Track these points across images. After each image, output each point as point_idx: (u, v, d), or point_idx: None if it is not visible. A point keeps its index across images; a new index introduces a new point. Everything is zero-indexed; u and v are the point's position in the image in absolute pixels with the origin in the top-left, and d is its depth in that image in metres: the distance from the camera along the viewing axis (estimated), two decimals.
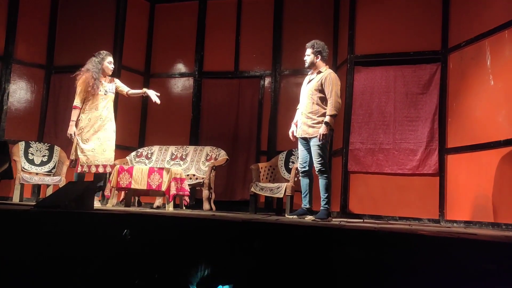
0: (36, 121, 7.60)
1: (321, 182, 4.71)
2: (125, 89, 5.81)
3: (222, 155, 6.58)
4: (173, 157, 6.83)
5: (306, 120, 4.80)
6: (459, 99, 5.71)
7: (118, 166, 5.74)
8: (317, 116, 4.73)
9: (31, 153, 6.77)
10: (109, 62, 5.64)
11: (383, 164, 6.16)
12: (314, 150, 4.71)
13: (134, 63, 7.83)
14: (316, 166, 4.71)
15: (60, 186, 5.93)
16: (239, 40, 7.76)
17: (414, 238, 2.94)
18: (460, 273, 2.53)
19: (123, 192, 5.96)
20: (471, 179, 5.36)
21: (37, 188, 7.20)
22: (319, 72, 4.84)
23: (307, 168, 4.85)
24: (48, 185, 6.58)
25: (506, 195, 4.78)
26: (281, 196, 5.99)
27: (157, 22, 8.16)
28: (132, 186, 5.59)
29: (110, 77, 5.76)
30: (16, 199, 6.30)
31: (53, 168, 6.83)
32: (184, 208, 5.93)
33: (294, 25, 7.47)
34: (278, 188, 5.98)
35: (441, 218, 5.73)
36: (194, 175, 6.52)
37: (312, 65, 4.89)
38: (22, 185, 6.36)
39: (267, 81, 7.57)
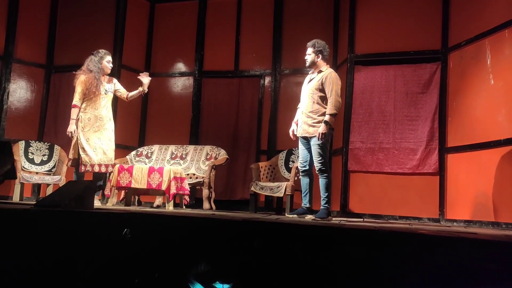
0: (36, 121, 7.61)
1: (321, 181, 4.71)
2: (124, 93, 5.80)
3: (222, 154, 6.58)
4: (173, 156, 6.83)
5: (307, 119, 4.80)
6: (459, 98, 5.71)
7: (118, 165, 5.74)
8: (318, 116, 4.73)
9: (31, 152, 6.77)
10: (108, 61, 5.64)
11: (383, 163, 6.16)
12: (315, 150, 4.71)
13: (134, 63, 7.83)
14: (317, 165, 4.71)
15: (60, 185, 5.93)
16: (239, 39, 7.76)
17: (414, 237, 2.94)
18: (461, 273, 2.53)
19: (123, 191, 5.96)
20: (471, 178, 5.36)
21: (37, 187, 7.21)
22: (320, 72, 4.84)
23: (307, 167, 4.85)
24: (48, 184, 6.58)
25: (506, 194, 4.78)
26: (281, 195, 5.99)
27: (157, 22, 8.16)
28: (132, 185, 5.59)
29: (108, 77, 5.75)
30: (16, 198, 6.31)
31: (53, 167, 6.83)
32: (184, 207, 5.93)
33: (294, 24, 7.47)
34: (278, 187, 5.98)
35: (441, 217, 5.73)
36: (194, 174, 6.52)
37: (313, 64, 4.89)
38: (22, 184, 6.36)
39: (267, 80, 7.56)
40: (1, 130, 7.17)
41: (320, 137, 4.63)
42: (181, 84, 8.03)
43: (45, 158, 6.84)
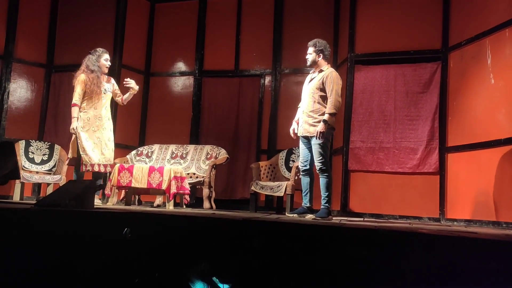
0: (36, 120, 7.60)
1: (322, 181, 4.71)
2: (120, 96, 5.77)
3: (222, 154, 6.58)
4: (173, 155, 6.83)
5: (308, 119, 4.80)
6: (459, 98, 5.71)
7: (118, 164, 5.74)
8: (318, 115, 4.73)
9: (31, 152, 6.77)
10: (105, 60, 5.63)
11: (384, 162, 6.16)
12: (315, 149, 4.71)
13: (134, 62, 7.83)
14: (317, 164, 4.71)
15: (61, 185, 5.93)
16: (239, 38, 7.76)
17: (415, 237, 2.94)
18: (461, 272, 2.53)
19: (123, 190, 5.96)
20: (472, 177, 5.35)
21: (37, 186, 7.20)
22: (321, 71, 4.84)
23: (308, 166, 4.85)
24: (48, 184, 6.58)
25: (507, 193, 4.78)
26: (282, 194, 5.99)
27: (157, 21, 8.16)
28: (133, 185, 5.59)
29: (107, 76, 5.75)
30: (16, 197, 6.31)
31: (54, 166, 6.83)
32: (184, 206, 5.93)
33: (294, 24, 7.47)
34: (279, 186, 5.98)
35: (441, 217, 5.73)
36: (194, 173, 6.52)
37: (314, 63, 4.89)
38: (22, 184, 6.36)
39: (267, 79, 7.56)
40: (1, 130, 7.18)
41: (318, 135, 4.63)
42: (181, 83, 8.03)
43: (45, 158, 6.84)
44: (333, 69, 4.89)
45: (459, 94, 5.71)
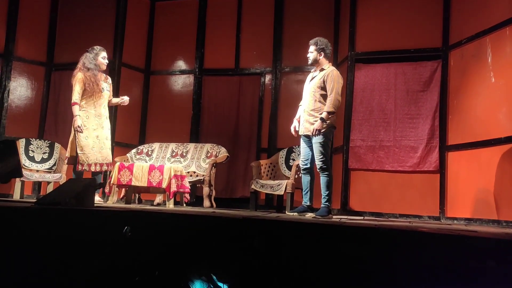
0: (36, 118, 7.60)
1: (322, 179, 4.71)
2: (110, 98, 5.77)
3: (222, 152, 6.58)
4: (173, 154, 6.83)
5: (308, 117, 4.79)
6: (459, 96, 5.70)
7: (118, 163, 5.74)
8: (319, 114, 4.72)
9: (31, 150, 6.78)
10: (103, 57, 5.62)
11: (384, 161, 6.16)
12: (316, 148, 4.71)
13: (135, 61, 7.83)
14: (318, 163, 4.71)
15: (61, 183, 5.93)
16: (239, 37, 7.75)
17: (415, 235, 2.94)
18: (461, 270, 2.53)
19: (123, 189, 5.97)
20: (472, 176, 5.35)
21: (37, 185, 7.21)
22: (322, 70, 4.84)
23: (308, 165, 4.85)
24: (48, 182, 6.59)
25: (507, 192, 4.78)
26: (282, 193, 5.99)
27: (158, 20, 8.15)
28: (133, 183, 5.59)
29: (105, 75, 5.74)
30: (16, 196, 6.31)
31: (54, 165, 6.83)
32: (184, 205, 5.94)
33: (294, 22, 7.46)
34: (279, 185, 5.98)
35: (441, 215, 5.73)
36: (194, 172, 6.52)
37: (315, 62, 4.88)
38: (22, 182, 6.37)
39: (267, 78, 7.56)
40: (1, 128, 7.17)
41: (314, 133, 4.63)
42: (181, 82, 8.03)
43: (45, 156, 6.84)
44: (334, 68, 4.88)
45: (460, 93, 5.70)
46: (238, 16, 7.78)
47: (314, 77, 4.89)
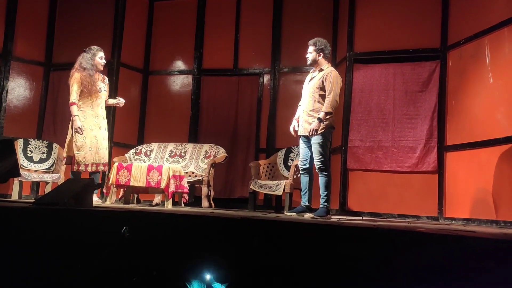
0: (35, 119, 7.60)
1: (321, 180, 4.71)
2: (106, 98, 5.77)
3: (221, 153, 6.58)
4: (172, 154, 6.83)
5: (308, 118, 4.80)
6: (458, 96, 5.71)
7: (117, 163, 5.73)
8: (318, 114, 4.73)
9: (30, 150, 6.77)
10: (100, 58, 5.61)
11: (382, 161, 6.16)
12: (315, 148, 4.71)
13: (133, 61, 7.82)
14: (317, 163, 4.71)
15: (59, 184, 5.92)
16: (238, 37, 7.75)
17: (413, 235, 2.94)
18: (459, 271, 2.53)
19: (122, 189, 5.96)
20: (470, 176, 5.36)
21: (36, 185, 7.21)
22: (321, 70, 4.85)
23: (307, 165, 4.85)
24: (47, 183, 6.58)
25: (505, 192, 4.79)
26: (280, 193, 5.99)
27: (156, 19, 8.15)
28: (131, 184, 5.58)
29: (102, 75, 5.74)
30: (15, 196, 6.30)
31: (52, 165, 6.82)
32: (183, 205, 5.93)
33: (293, 22, 7.46)
34: (277, 185, 5.98)
35: (440, 216, 5.73)
36: (193, 172, 6.52)
37: (314, 62, 4.89)
38: (21, 182, 6.36)
39: (266, 78, 7.56)
40: (0, 128, 7.17)
41: (311, 133, 4.64)
42: (180, 82, 8.03)
43: (43, 156, 6.83)
44: (333, 68, 4.89)
45: (458, 93, 5.71)
46: (237, 16, 7.78)
47: (313, 77, 4.90)
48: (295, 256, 2.95)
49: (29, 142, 6.83)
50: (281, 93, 7.44)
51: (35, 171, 6.68)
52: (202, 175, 6.34)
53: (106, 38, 7.36)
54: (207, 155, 6.63)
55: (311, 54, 4.87)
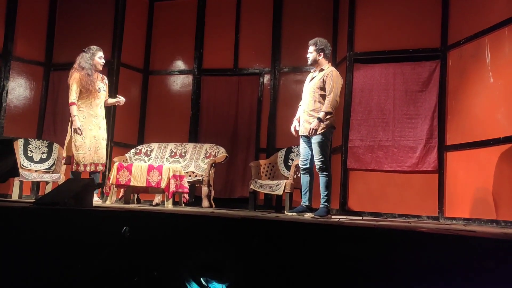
0: (35, 118, 7.60)
1: (322, 179, 4.71)
2: (106, 98, 5.77)
3: (221, 153, 6.58)
4: (172, 154, 6.83)
5: (308, 117, 4.80)
6: (458, 96, 5.70)
7: (117, 163, 5.73)
8: (319, 114, 4.72)
9: (30, 150, 6.77)
10: (99, 57, 5.61)
11: (383, 161, 6.16)
12: (315, 148, 4.71)
13: (133, 61, 7.82)
14: (317, 163, 4.71)
15: (59, 183, 5.92)
16: (238, 37, 7.75)
17: (413, 235, 2.94)
18: (460, 270, 2.53)
19: (122, 189, 5.96)
20: (470, 176, 5.36)
21: (36, 185, 7.21)
22: (322, 70, 4.85)
23: (308, 165, 4.85)
24: (47, 182, 6.58)
25: (505, 192, 4.78)
26: (280, 193, 5.99)
27: (156, 19, 8.15)
28: (131, 183, 5.58)
29: (101, 75, 5.73)
30: (15, 196, 6.30)
31: (52, 165, 6.82)
32: (183, 205, 5.93)
33: (293, 22, 7.46)
34: (277, 185, 5.98)
35: (440, 215, 5.73)
36: (193, 172, 6.52)
37: (315, 62, 4.89)
38: (21, 182, 6.36)
39: (266, 78, 7.56)
40: (0, 128, 7.17)
41: (311, 132, 4.64)
42: (180, 82, 8.03)
43: (44, 156, 6.84)
44: (333, 68, 4.89)
45: (458, 93, 5.70)
46: (237, 16, 7.78)
47: (313, 77, 4.90)
48: (295, 256, 2.95)
49: (30, 142, 6.83)
50: (281, 93, 7.44)
51: (36, 171, 6.68)
52: (202, 175, 6.34)
53: (106, 38, 7.36)
54: (207, 155, 6.63)
55: (311, 54, 4.87)
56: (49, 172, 6.75)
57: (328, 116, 4.68)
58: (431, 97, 5.98)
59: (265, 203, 7.09)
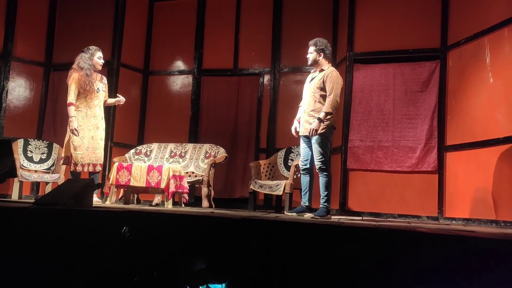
0: (35, 119, 7.60)
1: (321, 180, 4.71)
2: (105, 98, 5.77)
3: (221, 153, 6.58)
4: (172, 154, 6.83)
5: (308, 118, 4.80)
6: (458, 96, 5.71)
7: (117, 163, 5.73)
8: (319, 114, 4.72)
9: (30, 151, 6.77)
10: (98, 57, 5.61)
11: (382, 161, 6.16)
12: (315, 148, 4.71)
13: (133, 61, 7.82)
14: (317, 163, 4.71)
15: (59, 184, 5.92)
16: (238, 37, 7.75)
17: (413, 235, 2.94)
18: (459, 271, 2.53)
19: (122, 189, 5.96)
20: (470, 176, 5.36)
21: (36, 185, 7.20)
22: (322, 70, 4.85)
23: (308, 165, 4.85)
24: (47, 183, 6.58)
25: (505, 192, 4.79)
26: (280, 193, 5.99)
27: (156, 20, 8.15)
28: (131, 184, 5.58)
29: (100, 75, 5.73)
30: (15, 196, 6.30)
31: (52, 165, 6.82)
32: (183, 205, 5.93)
33: (293, 22, 7.46)
34: (277, 185, 5.98)
35: (440, 216, 5.73)
36: (193, 172, 6.52)
37: (315, 63, 4.89)
38: (21, 183, 6.36)
39: (266, 78, 7.56)
40: (0, 129, 7.17)
41: (311, 133, 4.64)
42: (180, 82, 8.03)
43: (44, 156, 6.84)
44: (334, 69, 4.89)
45: (458, 93, 5.71)
46: (237, 16, 7.78)
47: (313, 77, 4.90)
48: (295, 256, 2.95)
49: (29, 142, 6.83)
50: (281, 93, 7.44)
51: (35, 171, 6.68)
52: (202, 175, 6.34)
53: (106, 38, 7.36)
54: (207, 155, 6.63)
55: (311, 54, 4.87)
56: (49, 173, 6.75)
57: (328, 117, 4.68)
58: (431, 97, 5.98)
59: (265, 203, 7.09)
